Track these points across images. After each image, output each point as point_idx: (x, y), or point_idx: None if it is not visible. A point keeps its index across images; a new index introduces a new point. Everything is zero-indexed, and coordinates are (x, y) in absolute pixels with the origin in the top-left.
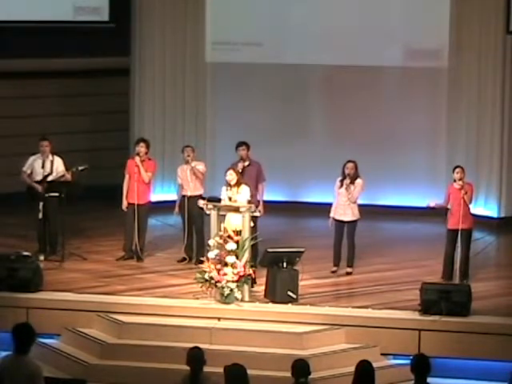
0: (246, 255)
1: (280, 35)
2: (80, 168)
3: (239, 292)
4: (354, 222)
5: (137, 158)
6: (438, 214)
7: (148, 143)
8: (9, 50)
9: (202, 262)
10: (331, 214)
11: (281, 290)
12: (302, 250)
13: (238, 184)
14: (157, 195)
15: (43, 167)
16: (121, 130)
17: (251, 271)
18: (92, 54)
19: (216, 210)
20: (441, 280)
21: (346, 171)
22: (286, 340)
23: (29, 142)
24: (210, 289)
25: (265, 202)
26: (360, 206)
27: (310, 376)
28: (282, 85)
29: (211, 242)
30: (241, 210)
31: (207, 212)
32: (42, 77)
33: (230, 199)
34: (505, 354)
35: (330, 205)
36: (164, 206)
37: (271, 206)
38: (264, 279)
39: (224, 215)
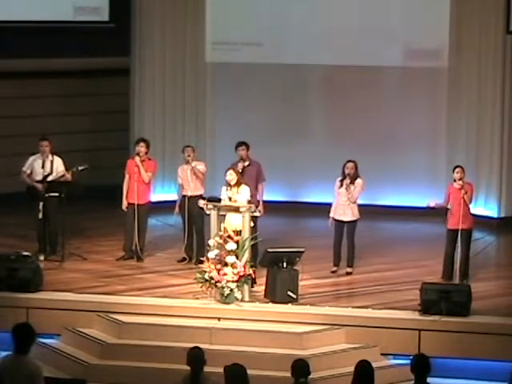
0: (246, 255)
1: (280, 35)
2: (80, 168)
3: (239, 292)
4: (354, 221)
5: (137, 158)
6: (438, 213)
7: (148, 143)
8: (9, 50)
9: (202, 261)
10: (331, 214)
11: (281, 290)
12: (301, 250)
13: (238, 184)
14: (157, 195)
15: (43, 167)
16: (121, 130)
17: (251, 271)
18: (92, 53)
19: (216, 210)
20: (441, 280)
21: (346, 171)
22: (286, 340)
23: (29, 142)
24: (210, 289)
25: (265, 201)
26: (360, 205)
27: (310, 376)
28: (282, 85)
29: (211, 242)
30: (241, 210)
31: (207, 212)
32: (42, 77)
33: (230, 199)
34: (505, 354)
35: (330, 205)
36: (164, 206)
37: (271, 206)
38: (264, 279)
39: (224, 215)
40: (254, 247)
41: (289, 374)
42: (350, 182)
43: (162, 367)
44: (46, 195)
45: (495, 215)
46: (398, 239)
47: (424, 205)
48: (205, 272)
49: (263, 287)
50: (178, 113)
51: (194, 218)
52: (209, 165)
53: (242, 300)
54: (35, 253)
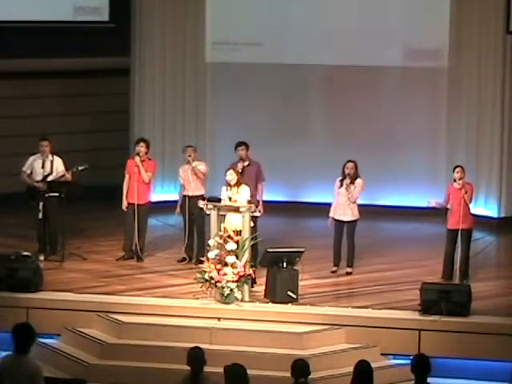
0: (246, 255)
1: (280, 35)
2: (80, 168)
3: (239, 292)
4: (354, 221)
5: (137, 158)
6: (438, 213)
7: (148, 143)
8: (9, 50)
9: (202, 261)
10: (331, 214)
11: (281, 290)
12: (301, 250)
13: (238, 184)
14: (157, 195)
15: (43, 167)
16: (121, 130)
17: (251, 271)
18: (92, 53)
19: (216, 210)
20: (441, 280)
21: (346, 171)
22: (286, 340)
23: (29, 142)
24: (210, 289)
25: (265, 201)
26: (360, 205)
27: (310, 376)
28: (282, 85)
29: (211, 242)
30: (241, 210)
31: (207, 212)
32: (42, 77)
33: (230, 199)
34: (505, 354)
35: (330, 205)
36: (164, 206)
37: (271, 206)
38: (264, 279)
39: (224, 215)
40: (254, 247)
41: (289, 374)
42: (350, 182)
43: (161, 367)
44: (46, 195)
45: (495, 215)
46: (398, 239)
47: (424, 205)
48: (205, 272)
49: (263, 287)
50: (178, 113)
51: (194, 218)
52: (209, 165)
53: (242, 300)
54: (35, 253)
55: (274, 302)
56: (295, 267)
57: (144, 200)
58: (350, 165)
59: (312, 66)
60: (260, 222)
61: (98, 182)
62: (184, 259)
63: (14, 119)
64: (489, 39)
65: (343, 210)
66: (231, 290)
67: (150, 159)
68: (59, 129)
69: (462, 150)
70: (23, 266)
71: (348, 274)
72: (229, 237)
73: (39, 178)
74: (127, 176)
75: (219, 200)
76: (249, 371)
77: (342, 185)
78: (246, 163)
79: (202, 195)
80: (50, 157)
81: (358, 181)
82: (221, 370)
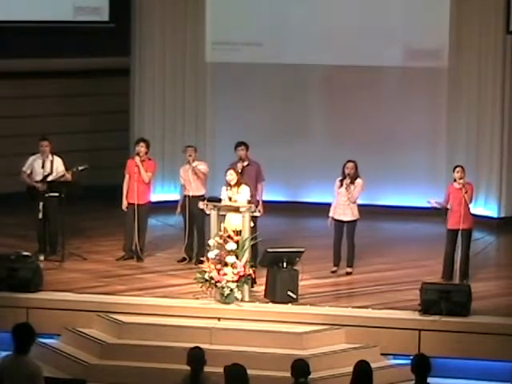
0: (246, 255)
1: (280, 35)
2: (80, 168)
3: (239, 292)
4: (354, 221)
5: (137, 158)
6: (438, 213)
7: (148, 143)
8: (9, 50)
9: (202, 261)
10: (330, 214)
11: (281, 290)
12: (301, 250)
13: (238, 184)
14: (157, 195)
15: (43, 167)
16: (121, 130)
17: (251, 271)
18: (92, 53)
19: (216, 209)
20: (441, 280)
21: (346, 171)
22: (286, 340)
23: (29, 142)
24: (210, 289)
25: (264, 201)
26: (360, 205)
27: (310, 376)
28: (282, 85)
29: (211, 242)
30: (241, 210)
31: (207, 212)
32: (42, 77)
33: (230, 199)
34: (505, 354)
35: (330, 205)
36: (164, 206)
37: (271, 206)
38: (264, 279)
39: (224, 215)
40: (254, 247)
41: (289, 374)
42: (350, 182)
43: (161, 367)
44: (46, 195)
45: (495, 215)
46: (398, 239)
47: (424, 205)
48: (205, 272)
49: (263, 287)
50: (178, 113)
51: (194, 217)
52: (209, 165)
53: (242, 300)
54: (35, 253)
55: (274, 301)
56: (295, 267)
57: (144, 200)
58: (350, 165)
59: (312, 65)
60: (260, 221)
61: (98, 182)
62: (184, 259)
63: (14, 119)
64: (489, 39)
65: (343, 210)
66: (231, 290)
67: (150, 159)
68: (59, 129)
69: (461, 150)
70: (23, 266)
71: (348, 273)
72: (229, 237)
73: (39, 178)
74: (127, 176)
75: (219, 200)
76: (249, 371)
77: (341, 185)
78: (246, 163)
79: (202, 195)
80: (50, 157)
81: (358, 181)
82: (221, 369)
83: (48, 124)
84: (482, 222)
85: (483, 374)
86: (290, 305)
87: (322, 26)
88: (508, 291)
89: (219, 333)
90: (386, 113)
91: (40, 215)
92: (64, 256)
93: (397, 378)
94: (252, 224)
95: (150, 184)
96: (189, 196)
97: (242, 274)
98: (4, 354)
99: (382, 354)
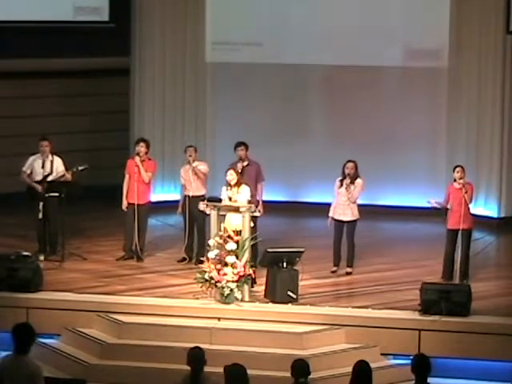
0: (246, 255)
1: (280, 35)
2: (80, 168)
3: (239, 292)
4: (354, 221)
5: (137, 158)
6: (438, 213)
7: (148, 143)
8: (9, 50)
9: (202, 261)
10: (330, 214)
11: (281, 290)
12: (301, 250)
13: (238, 184)
14: (157, 195)
15: (43, 167)
16: (121, 130)
17: (251, 271)
18: (92, 54)
19: (216, 210)
20: (441, 280)
21: (346, 171)
22: (286, 340)
23: (29, 142)
24: (210, 289)
25: (264, 201)
26: (360, 205)
27: (310, 376)
28: (282, 85)
29: (211, 242)
30: (241, 210)
31: (207, 212)
32: (42, 77)
33: (230, 199)
34: (505, 354)
35: (330, 205)
36: (164, 206)
37: (271, 206)
38: (264, 279)
39: (224, 215)
40: (254, 247)
41: (289, 374)
42: (350, 182)
43: (161, 367)
44: (46, 195)
45: (495, 215)
46: (398, 239)
47: (424, 205)
48: (205, 272)
49: (263, 287)
50: (178, 113)
51: (195, 218)
52: (209, 165)
53: (242, 300)
54: (35, 253)
55: (274, 302)
56: (295, 267)
57: (144, 200)
58: (350, 165)
59: (312, 65)
60: (260, 221)
61: (98, 182)
62: (184, 259)
63: (14, 119)
64: (489, 39)
65: (343, 210)
66: (231, 289)
67: (150, 159)
68: (59, 129)
69: (462, 150)
70: (23, 266)
71: (348, 274)
72: (229, 237)
73: (39, 178)
74: (127, 176)
75: (219, 200)
76: (249, 371)
77: (341, 185)
78: (246, 163)
79: (202, 195)
80: (50, 157)
81: (358, 181)
82: (221, 369)
83: (48, 124)
84: (482, 222)
85: (483, 374)
86: (289, 305)
87: (321, 25)
88: (508, 291)
89: (219, 333)
90: (386, 113)
91: (40, 215)
92: (64, 256)
93: (397, 378)
94: (252, 224)
95: (150, 184)
96: (189, 196)
97: (242, 273)
98: (4, 354)
99: (381, 354)
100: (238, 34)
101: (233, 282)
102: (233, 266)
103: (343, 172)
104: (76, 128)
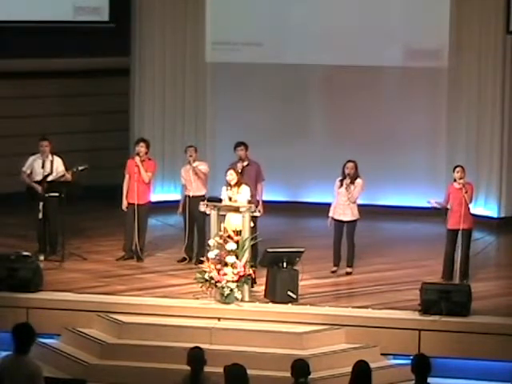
0: (246, 255)
1: (280, 35)
2: (80, 168)
3: (239, 292)
4: (354, 221)
5: (137, 158)
6: (438, 213)
7: (148, 143)
8: (9, 50)
9: (202, 261)
10: (330, 214)
11: (281, 290)
12: (301, 250)
13: (238, 184)
14: (157, 195)
15: (43, 167)
16: (121, 130)
17: (251, 271)
18: (92, 54)
19: (216, 210)
20: (441, 280)
21: (346, 171)
22: (286, 340)
23: (29, 142)
24: (210, 289)
25: (264, 201)
26: (360, 205)
27: (310, 376)
28: (282, 85)
29: (211, 242)
30: (241, 210)
31: (208, 212)
32: (42, 77)
33: (230, 199)
34: (505, 354)
35: (330, 205)
36: (164, 206)
37: (271, 206)
38: (264, 279)
39: (224, 215)
40: (254, 247)
41: (289, 374)
42: (350, 182)
43: (161, 367)
44: (46, 195)
45: (495, 215)
46: (398, 239)
47: (424, 205)
48: (205, 272)
49: (263, 287)
50: (178, 113)
51: (195, 217)
52: (209, 165)
53: (242, 300)
54: (35, 253)
55: (274, 302)
56: (295, 267)
57: (144, 200)
58: (350, 165)
59: (312, 66)
60: (260, 222)
61: (98, 182)
62: (184, 259)
63: (14, 119)
64: (489, 39)
65: (343, 210)
66: (231, 289)
67: (149, 159)
68: (59, 129)
69: (462, 150)
70: (23, 266)
71: (348, 274)
72: (229, 237)
73: (39, 178)
74: (127, 176)
75: (219, 200)
76: (249, 371)
77: (341, 185)
78: (246, 163)
79: (203, 195)
80: (50, 157)
81: (358, 181)
82: (221, 369)
83: (48, 124)
84: (482, 222)
85: (483, 374)
86: (290, 305)
87: (322, 25)
88: (508, 291)
89: (219, 333)
90: (386, 113)
91: (40, 215)
92: (64, 256)
93: (397, 378)
94: (252, 224)
95: (150, 184)
96: (189, 196)
97: (242, 273)
98: (4, 353)
99: (381, 354)
100: (238, 34)
101: (233, 282)
102: (233, 266)
103: (343, 172)
104: (76, 128)
